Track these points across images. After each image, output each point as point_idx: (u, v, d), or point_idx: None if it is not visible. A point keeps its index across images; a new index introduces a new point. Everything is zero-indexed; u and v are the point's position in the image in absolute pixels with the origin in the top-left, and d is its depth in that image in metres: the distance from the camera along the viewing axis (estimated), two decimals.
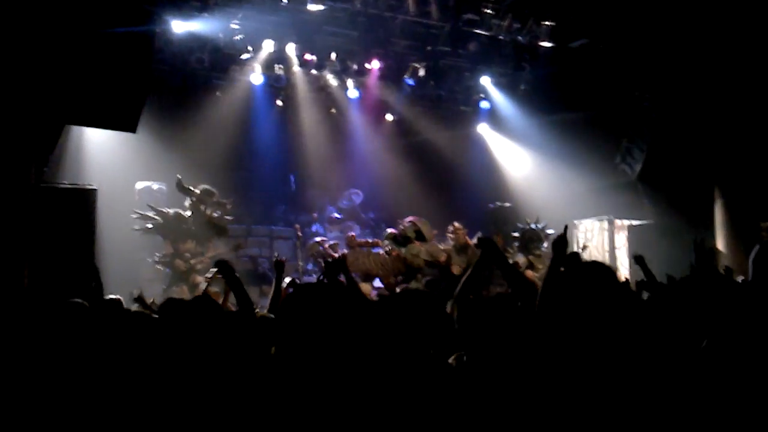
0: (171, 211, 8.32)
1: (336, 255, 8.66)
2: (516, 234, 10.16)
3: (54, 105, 6.71)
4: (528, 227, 10.12)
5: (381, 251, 9.16)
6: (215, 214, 8.50)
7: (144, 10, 6.91)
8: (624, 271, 10.21)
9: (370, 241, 9.21)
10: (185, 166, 8.97)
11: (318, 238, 9.59)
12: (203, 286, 8.23)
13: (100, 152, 8.89)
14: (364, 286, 8.72)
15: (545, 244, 10.00)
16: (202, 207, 8.42)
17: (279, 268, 4.56)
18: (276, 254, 8.65)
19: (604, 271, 2.32)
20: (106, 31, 6.74)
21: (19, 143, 6.73)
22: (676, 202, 9.55)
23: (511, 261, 9.43)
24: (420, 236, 9.02)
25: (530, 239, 10.18)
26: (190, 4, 8.78)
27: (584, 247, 10.10)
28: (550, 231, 9.98)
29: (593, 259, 9.81)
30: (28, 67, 6.47)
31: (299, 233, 10.18)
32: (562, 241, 3.03)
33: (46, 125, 7.11)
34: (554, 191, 10.96)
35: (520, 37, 10.53)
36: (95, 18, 6.70)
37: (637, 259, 4.88)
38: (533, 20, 10.38)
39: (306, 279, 8.97)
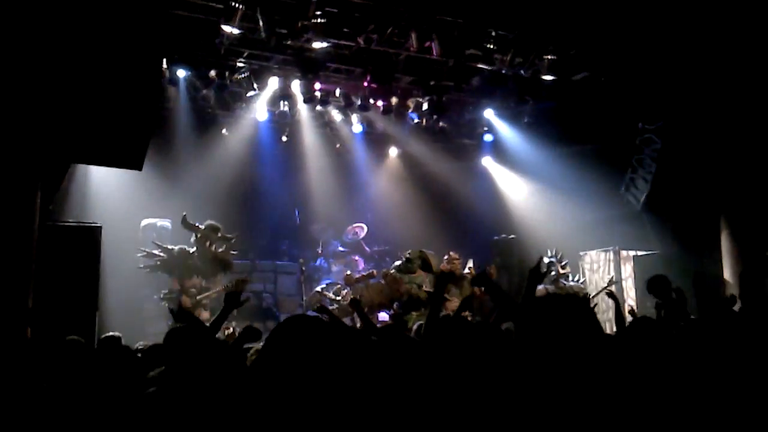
0: (176, 247, 8.36)
1: (340, 298, 8.67)
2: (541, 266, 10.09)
3: (60, 143, 6.80)
4: (545, 260, 10.14)
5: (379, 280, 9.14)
6: (220, 250, 8.53)
7: (150, 55, 7.02)
8: (631, 301, 10.13)
9: (365, 274, 9.19)
10: (190, 203, 9.03)
11: (318, 288, 9.57)
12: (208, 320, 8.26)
13: (105, 190, 8.98)
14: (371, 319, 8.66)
15: (566, 277, 10.02)
16: (207, 243, 8.45)
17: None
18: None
19: (571, 305, 2.34)
20: (113, 69, 6.85)
21: (25, 181, 6.80)
22: (682, 232, 9.51)
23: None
24: (426, 266, 8.98)
25: (548, 272, 10.20)
26: (196, 45, 8.94)
27: (611, 282, 9.99)
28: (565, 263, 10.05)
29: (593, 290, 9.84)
30: (35, 105, 6.56)
31: (303, 268, 10.18)
32: (536, 271, 3.13)
33: (52, 163, 7.19)
34: (559, 222, 10.95)
35: (522, 71, 10.63)
36: (103, 55, 6.82)
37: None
38: (535, 54, 10.49)
39: (310, 314, 8.92)
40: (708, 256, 9.07)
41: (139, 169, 7.09)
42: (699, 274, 4.14)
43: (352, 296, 8.16)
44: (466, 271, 9.16)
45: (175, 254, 8.27)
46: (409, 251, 9.04)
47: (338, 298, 8.70)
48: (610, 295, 6.66)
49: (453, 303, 8.62)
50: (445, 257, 9.21)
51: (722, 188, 9.23)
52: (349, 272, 9.24)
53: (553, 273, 10.40)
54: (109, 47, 6.76)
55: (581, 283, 10.52)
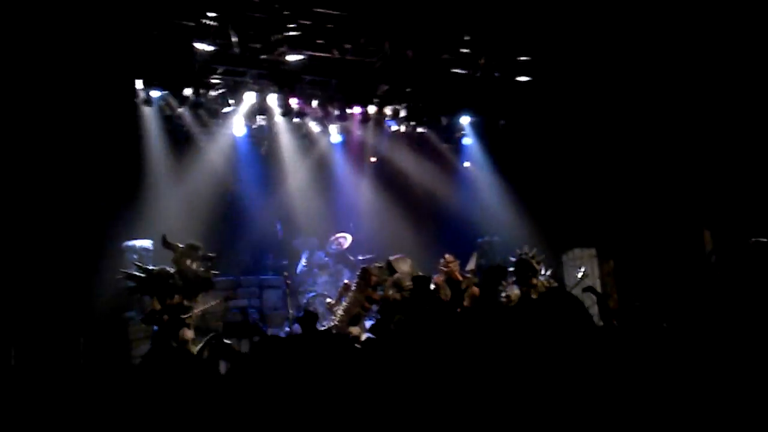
0: (156, 268, 8.31)
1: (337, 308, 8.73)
2: (510, 267, 10.14)
3: (35, 172, 6.79)
4: (521, 258, 10.08)
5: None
6: (201, 269, 8.49)
7: (125, 78, 7.05)
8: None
9: (341, 289, 9.28)
10: (171, 222, 8.98)
11: (305, 300, 9.62)
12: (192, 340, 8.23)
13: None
14: (353, 329, 8.69)
15: (542, 273, 10.03)
16: (188, 262, 8.40)
17: None
18: None
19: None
20: (87, 99, 6.86)
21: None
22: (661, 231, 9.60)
23: (505, 294, 9.67)
24: (391, 270, 9.06)
25: (524, 270, 10.14)
26: (170, 66, 8.91)
27: (584, 275, 10.03)
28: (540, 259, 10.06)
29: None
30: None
31: (288, 281, 10.15)
32: (498, 270, 3.23)
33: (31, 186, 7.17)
34: (541, 222, 11.01)
35: (497, 74, 10.71)
36: (77, 86, 6.81)
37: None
38: (509, 56, 10.58)
39: (296, 328, 8.94)
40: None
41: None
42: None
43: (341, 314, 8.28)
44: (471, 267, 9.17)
45: (155, 275, 8.22)
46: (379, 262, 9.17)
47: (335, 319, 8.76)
48: (589, 289, 6.69)
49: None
50: (441, 260, 9.20)
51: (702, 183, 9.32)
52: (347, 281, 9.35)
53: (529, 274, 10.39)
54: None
55: (550, 278, 10.49)
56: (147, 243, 9.03)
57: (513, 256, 9.73)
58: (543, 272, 10.09)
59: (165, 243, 8.38)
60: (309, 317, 4.11)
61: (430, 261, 9.52)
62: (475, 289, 8.70)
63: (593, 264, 11.12)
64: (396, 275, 8.98)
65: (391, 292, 8.51)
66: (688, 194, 9.47)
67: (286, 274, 10.28)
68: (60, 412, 3.20)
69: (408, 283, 8.97)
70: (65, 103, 6.58)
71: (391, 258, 9.32)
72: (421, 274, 9.51)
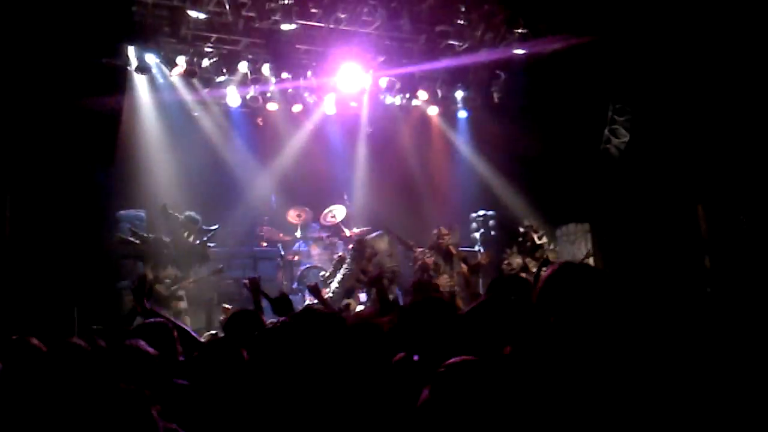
0: (150, 236, 8.31)
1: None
2: (519, 237, 10.41)
3: (31, 141, 6.74)
4: (527, 230, 10.34)
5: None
6: (198, 242, 8.51)
7: (116, 42, 6.96)
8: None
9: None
10: (165, 192, 8.96)
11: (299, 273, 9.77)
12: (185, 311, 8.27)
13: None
14: (349, 302, 8.76)
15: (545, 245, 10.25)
16: (185, 234, 8.42)
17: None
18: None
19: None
20: (79, 63, 6.77)
21: None
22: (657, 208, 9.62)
23: (507, 262, 9.82)
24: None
25: (528, 242, 10.41)
26: (162, 32, 8.81)
27: (587, 255, 10.17)
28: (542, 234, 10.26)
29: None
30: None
31: (282, 252, 10.17)
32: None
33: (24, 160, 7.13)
34: (535, 197, 11.03)
35: (493, 46, 10.62)
36: (68, 50, 6.73)
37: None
38: (506, 29, 10.46)
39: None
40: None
41: (111, 164, 7.07)
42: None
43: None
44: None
45: (150, 243, 8.22)
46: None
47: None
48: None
49: (442, 279, 8.71)
50: (434, 231, 9.16)
51: (699, 165, 9.30)
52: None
53: (529, 244, 10.57)
54: (74, 41, 6.68)
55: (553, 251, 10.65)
56: (141, 212, 9.01)
57: (514, 228, 9.94)
58: (545, 244, 10.36)
59: (164, 212, 8.40)
60: (282, 302, 4.05)
61: (424, 234, 9.51)
62: (483, 259, 8.78)
63: (587, 239, 11.19)
64: (369, 252, 9.11)
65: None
66: (682, 169, 9.47)
67: (280, 245, 10.31)
68: (52, 381, 3.18)
69: (387, 261, 9.13)
70: (58, 70, 6.50)
71: (369, 237, 9.47)
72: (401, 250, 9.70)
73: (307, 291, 9.77)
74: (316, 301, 8.27)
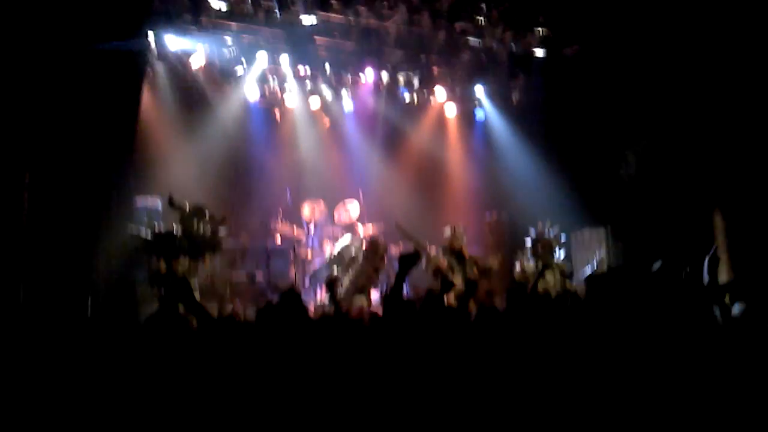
0: (162, 228, 8.22)
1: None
2: (530, 240, 10.19)
3: (46, 125, 6.67)
4: (542, 234, 10.12)
5: None
6: (208, 232, 8.40)
7: (136, 27, 6.89)
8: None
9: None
10: (181, 182, 8.88)
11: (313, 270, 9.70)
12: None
13: None
14: (361, 300, 8.64)
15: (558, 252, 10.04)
16: (195, 224, 8.32)
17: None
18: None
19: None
20: (99, 49, 6.70)
21: (15, 155, 6.69)
22: (672, 212, 9.49)
23: (519, 267, 9.66)
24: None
25: (543, 246, 10.14)
26: (183, 19, 8.76)
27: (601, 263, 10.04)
28: (563, 239, 10.03)
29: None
30: (21, 84, 6.42)
31: (295, 248, 10.06)
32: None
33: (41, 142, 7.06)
34: (552, 200, 10.89)
35: (513, 45, 10.53)
36: (88, 34, 6.66)
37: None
38: (526, 28, 10.37)
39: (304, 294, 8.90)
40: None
41: (131, 151, 7.00)
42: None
43: None
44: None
45: (162, 235, 8.14)
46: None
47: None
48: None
49: (455, 279, 8.56)
50: (447, 230, 8.94)
51: (717, 170, 9.17)
52: None
53: (542, 248, 10.37)
54: (95, 23, 6.61)
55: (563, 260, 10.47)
56: (156, 203, 8.95)
57: (532, 232, 9.74)
58: (559, 249, 10.16)
59: (171, 203, 8.30)
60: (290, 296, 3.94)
61: (435, 232, 9.40)
62: (495, 263, 8.65)
63: (601, 245, 11.05)
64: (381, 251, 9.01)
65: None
66: (699, 174, 9.34)
67: (293, 240, 10.21)
68: (65, 369, 3.15)
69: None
70: (79, 55, 6.43)
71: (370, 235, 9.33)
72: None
73: (318, 287, 9.74)
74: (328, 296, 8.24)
